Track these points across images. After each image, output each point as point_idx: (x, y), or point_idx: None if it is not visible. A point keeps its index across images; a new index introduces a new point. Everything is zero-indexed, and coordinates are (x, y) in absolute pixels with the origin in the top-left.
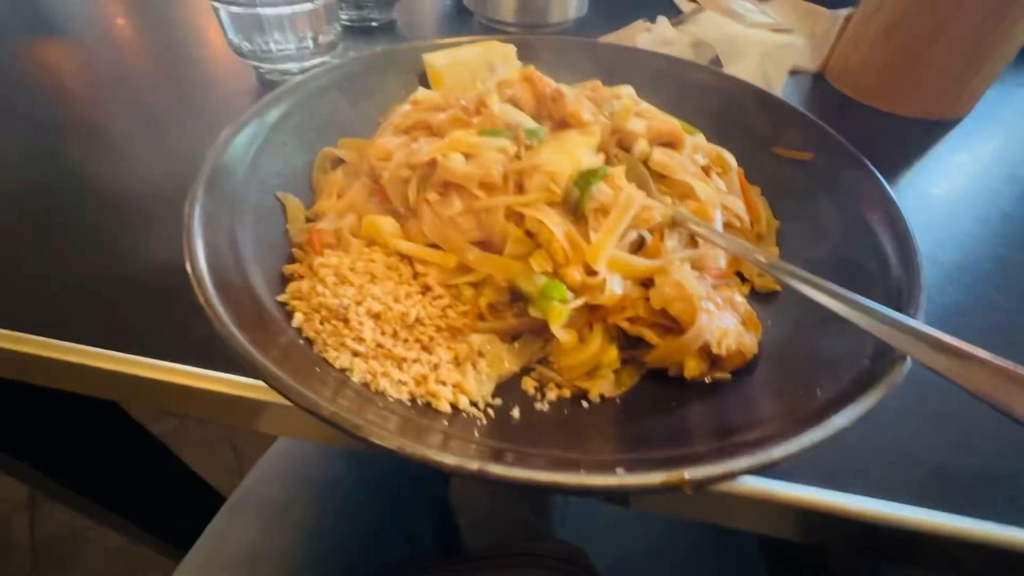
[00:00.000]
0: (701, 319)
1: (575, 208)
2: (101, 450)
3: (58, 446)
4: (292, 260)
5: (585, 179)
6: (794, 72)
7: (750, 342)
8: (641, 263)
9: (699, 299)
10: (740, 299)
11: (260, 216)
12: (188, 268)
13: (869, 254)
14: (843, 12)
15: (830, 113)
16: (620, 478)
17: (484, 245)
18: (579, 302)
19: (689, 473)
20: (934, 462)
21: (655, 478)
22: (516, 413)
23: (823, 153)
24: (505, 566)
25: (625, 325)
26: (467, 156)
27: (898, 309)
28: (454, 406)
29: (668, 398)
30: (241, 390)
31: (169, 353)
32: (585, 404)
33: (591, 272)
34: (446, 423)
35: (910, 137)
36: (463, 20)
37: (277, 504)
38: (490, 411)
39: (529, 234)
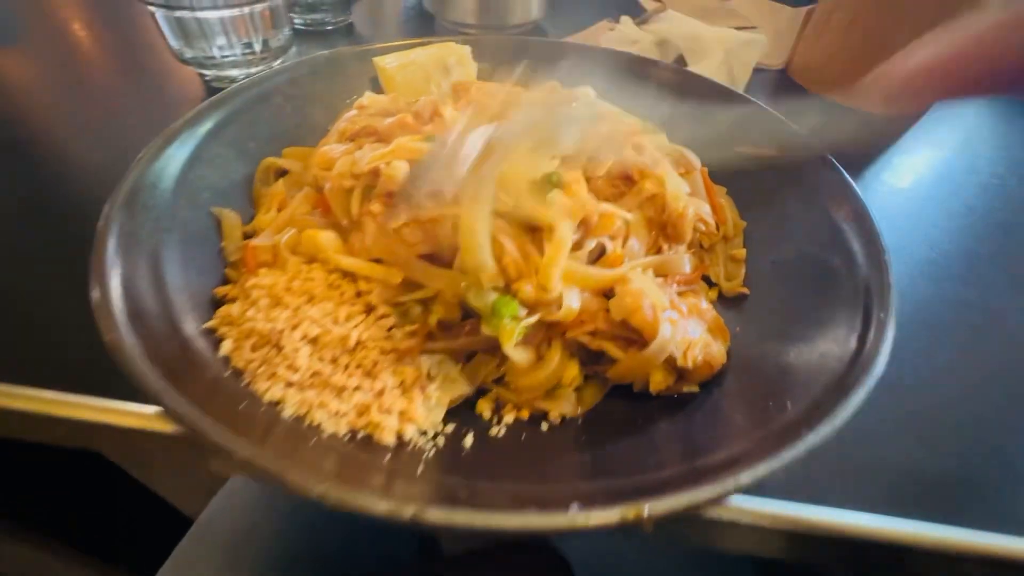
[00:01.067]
0: (664, 330)
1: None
2: (59, 483)
3: (11, 481)
4: (227, 282)
5: (539, 187)
6: (758, 69)
7: (718, 352)
8: (599, 274)
9: (661, 309)
10: (706, 305)
11: (190, 234)
12: (93, 295)
13: (835, 252)
14: (804, 8)
15: (792, 108)
16: (571, 517)
17: (432, 259)
18: (532, 319)
19: (649, 508)
20: (907, 468)
21: (611, 516)
22: (468, 440)
23: (787, 150)
24: (490, 569)
25: (585, 339)
26: (412, 164)
27: (867, 308)
28: (400, 437)
29: (634, 415)
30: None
31: (95, 387)
32: (545, 426)
33: (546, 286)
34: (389, 457)
35: (874, 130)
36: (424, 22)
37: (239, 533)
38: (440, 440)
39: None
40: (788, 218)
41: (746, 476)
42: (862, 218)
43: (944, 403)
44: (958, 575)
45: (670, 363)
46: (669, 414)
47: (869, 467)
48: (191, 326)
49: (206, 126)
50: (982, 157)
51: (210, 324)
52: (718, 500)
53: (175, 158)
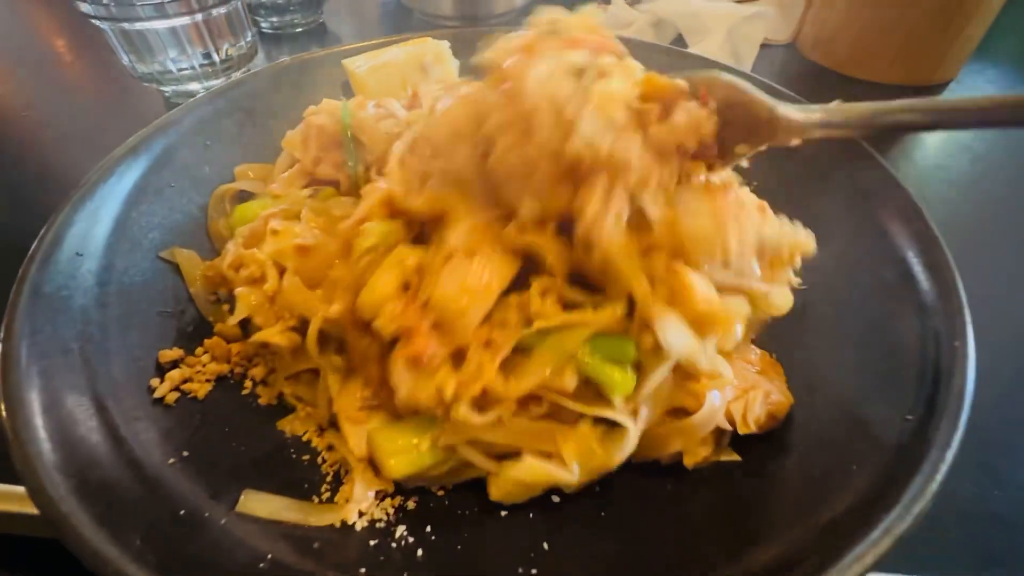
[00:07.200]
0: (712, 397)
1: None
2: None
3: None
4: (179, 339)
5: None
6: (763, 45)
7: (780, 396)
8: None
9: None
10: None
11: (132, 285)
12: (5, 421)
13: (886, 262)
14: None
15: (805, 87)
16: None
17: None
18: None
19: None
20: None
21: None
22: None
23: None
24: None
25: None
26: None
27: (937, 335)
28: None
29: (668, 487)
30: None
31: None
32: (556, 498)
33: None
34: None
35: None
36: (401, 18)
37: None
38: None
39: None
40: (822, 219)
41: None
42: (912, 218)
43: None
44: None
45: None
46: (708, 484)
47: (945, 519)
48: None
49: (152, 153)
50: None
51: None
52: None
53: (113, 194)
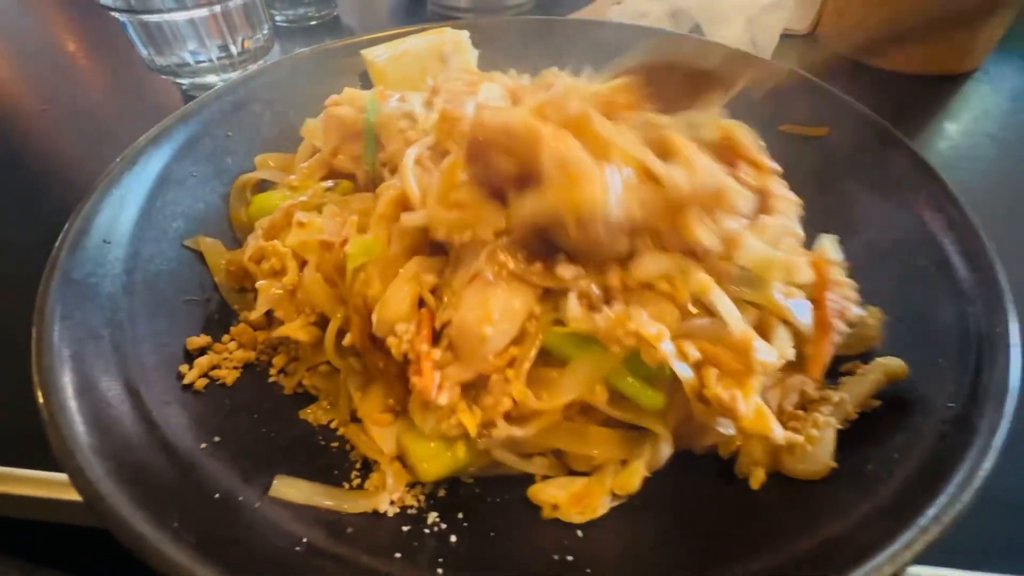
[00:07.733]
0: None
1: None
2: None
3: None
4: (206, 327)
5: None
6: (783, 35)
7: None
8: None
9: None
10: None
11: (159, 274)
12: (41, 404)
13: (920, 248)
14: None
15: (827, 77)
16: None
17: None
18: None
19: None
20: None
21: None
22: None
23: (841, 127)
24: None
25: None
26: None
27: (978, 322)
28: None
29: (703, 484)
30: None
31: None
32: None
33: None
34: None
35: (919, 96)
36: (415, 10)
37: None
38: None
39: None
40: (853, 208)
41: None
42: (947, 205)
43: None
44: None
45: None
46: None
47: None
48: (186, 440)
49: (175, 143)
50: None
51: None
52: None
53: (138, 183)
